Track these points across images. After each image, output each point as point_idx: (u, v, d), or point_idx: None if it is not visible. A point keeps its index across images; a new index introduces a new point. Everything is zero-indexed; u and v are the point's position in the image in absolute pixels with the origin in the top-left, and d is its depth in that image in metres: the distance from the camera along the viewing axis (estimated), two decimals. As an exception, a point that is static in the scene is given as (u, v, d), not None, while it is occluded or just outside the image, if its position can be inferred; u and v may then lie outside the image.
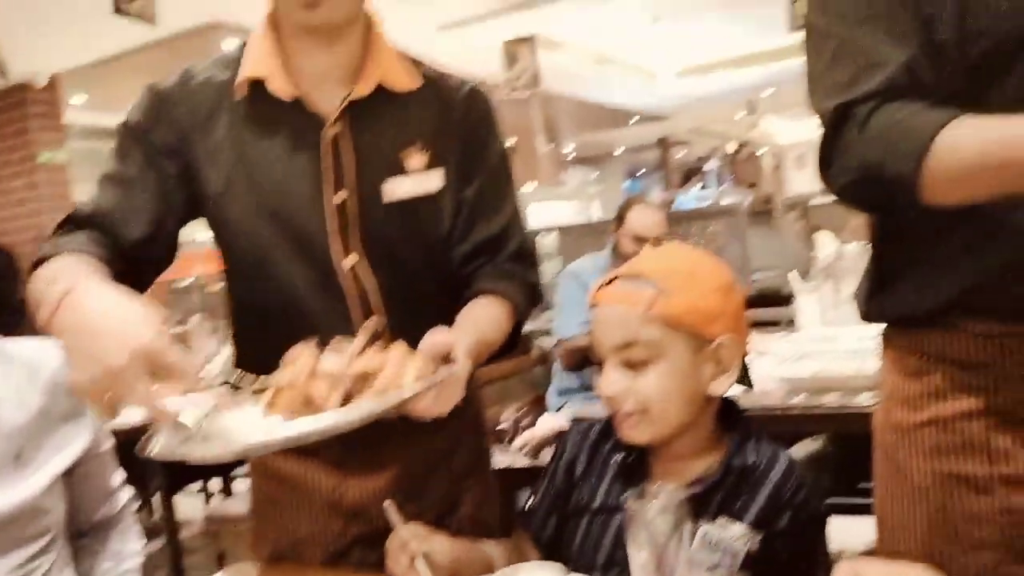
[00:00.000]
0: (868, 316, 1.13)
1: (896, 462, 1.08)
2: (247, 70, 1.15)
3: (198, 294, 4.02)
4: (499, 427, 2.97)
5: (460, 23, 6.28)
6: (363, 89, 1.15)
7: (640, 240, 2.96)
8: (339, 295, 1.16)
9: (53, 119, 6.59)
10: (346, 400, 0.85)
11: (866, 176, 0.93)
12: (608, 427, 1.15)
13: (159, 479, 2.74)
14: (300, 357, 0.93)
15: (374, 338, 0.98)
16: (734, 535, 0.98)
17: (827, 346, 2.36)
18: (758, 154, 9.11)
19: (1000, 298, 0.99)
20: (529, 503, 1.22)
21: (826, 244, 3.00)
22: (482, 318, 1.14)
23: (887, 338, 1.14)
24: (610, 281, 1.10)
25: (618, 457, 1.12)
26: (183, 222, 1.19)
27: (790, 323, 2.98)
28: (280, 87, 1.14)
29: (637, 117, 12.28)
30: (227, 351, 3.65)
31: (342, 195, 1.14)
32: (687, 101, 11.20)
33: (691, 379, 1.05)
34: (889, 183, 0.91)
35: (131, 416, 0.81)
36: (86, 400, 0.78)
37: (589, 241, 4.50)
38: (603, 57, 8.69)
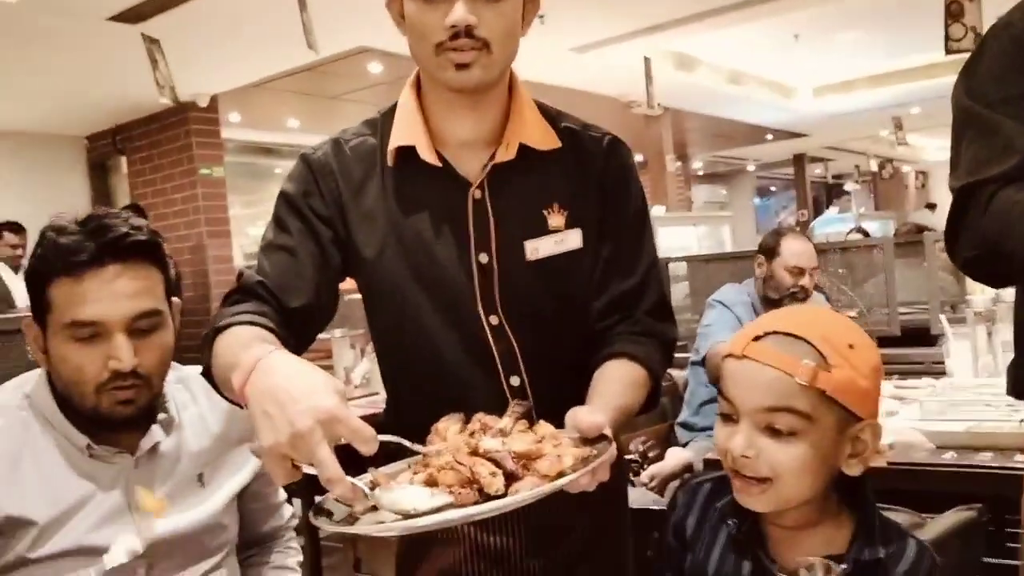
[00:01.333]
0: (1017, 392, 1.11)
1: None
2: (397, 138, 1.20)
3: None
4: (627, 457, 2.98)
5: (596, 44, 6.32)
6: (506, 153, 1.19)
7: (799, 272, 2.94)
8: (484, 355, 1.19)
9: (213, 137, 7.07)
10: (508, 479, 0.86)
11: (986, 252, 1.00)
12: (718, 487, 1.13)
13: (303, 482, 2.90)
14: (449, 430, 0.96)
15: (520, 418, 1.00)
16: None
17: (979, 396, 2.25)
18: (905, 171, 8.69)
19: None
20: (649, 556, 1.22)
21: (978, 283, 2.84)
22: (620, 388, 1.14)
23: None
24: (762, 335, 1.04)
25: (731, 525, 1.09)
26: (339, 283, 1.24)
27: (935, 364, 2.84)
28: (428, 153, 1.18)
29: (771, 134, 11.94)
30: (366, 364, 3.81)
31: (485, 257, 1.18)
32: (825, 118, 10.80)
33: (829, 457, 1.01)
34: (1007, 260, 0.98)
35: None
36: (268, 463, 0.81)
37: (719, 267, 4.46)
38: (738, 75, 8.53)
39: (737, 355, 1.04)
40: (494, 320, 1.19)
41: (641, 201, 1.31)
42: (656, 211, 6.91)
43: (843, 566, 0.97)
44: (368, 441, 0.81)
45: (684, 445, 2.97)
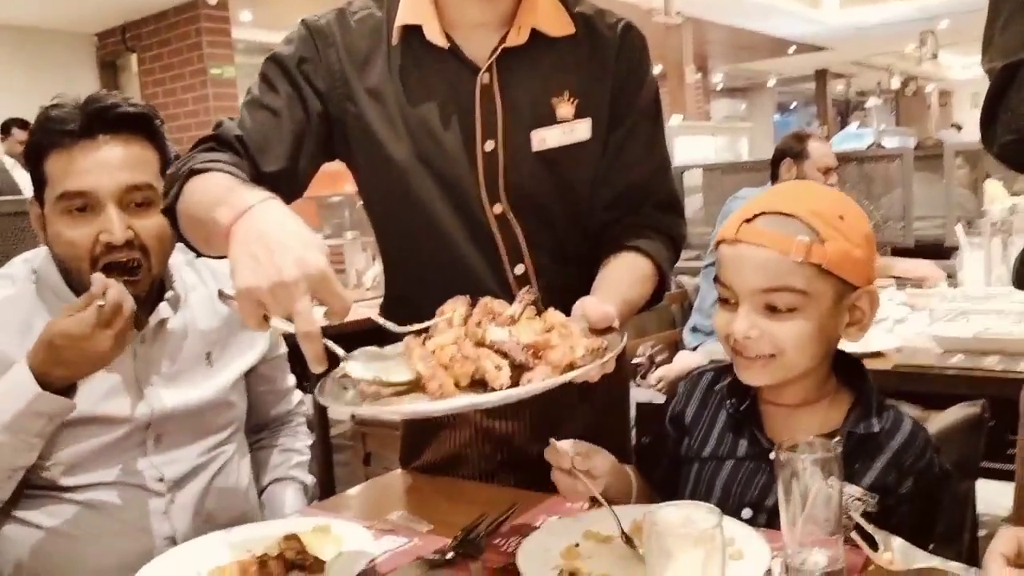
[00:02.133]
0: (1020, 283, 1.10)
1: None
2: (403, 16, 1.16)
3: (349, 209, 4.16)
4: (634, 361, 3.00)
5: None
6: (516, 37, 1.15)
7: (828, 171, 3.00)
8: (488, 243, 1.18)
9: (223, 36, 6.94)
10: (515, 371, 0.84)
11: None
12: (719, 375, 1.14)
13: (314, 379, 2.94)
14: (456, 313, 0.93)
15: (528, 306, 0.97)
16: (850, 496, 0.96)
17: (989, 306, 2.24)
18: (927, 90, 8.49)
19: None
20: (643, 442, 1.24)
21: (997, 196, 2.80)
22: (628, 280, 1.14)
23: None
24: (752, 217, 1.04)
25: (729, 406, 1.11)
26: (315, 161, 1.19)
27: (950, 278, 2.83)
28: (435, 35, 1.14)
29: (794, 47, 11.61)
30: (378, 267, 3.82)
31: (491, 144, 1.16)
32: (851, 31, 10.47)
33: (829, 328, 1.03)
34: None
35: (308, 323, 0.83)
36: (242, 305, 0.78)
37: (735, 179, 4.37)
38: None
39: (730, 240, 1.05)
40: (498, 209, 1.17)
41: (654, 92, 1.27)
42: (673, 120, 6.77)
43: (836, 439, 0.98)
44: (344, 310, 0.79)
45: (694, 350, 3.00)
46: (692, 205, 4.67)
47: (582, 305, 0.98)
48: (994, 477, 1.62)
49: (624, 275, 1.15)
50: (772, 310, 1.01)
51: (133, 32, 7.38)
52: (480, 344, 0.86)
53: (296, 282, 0.76)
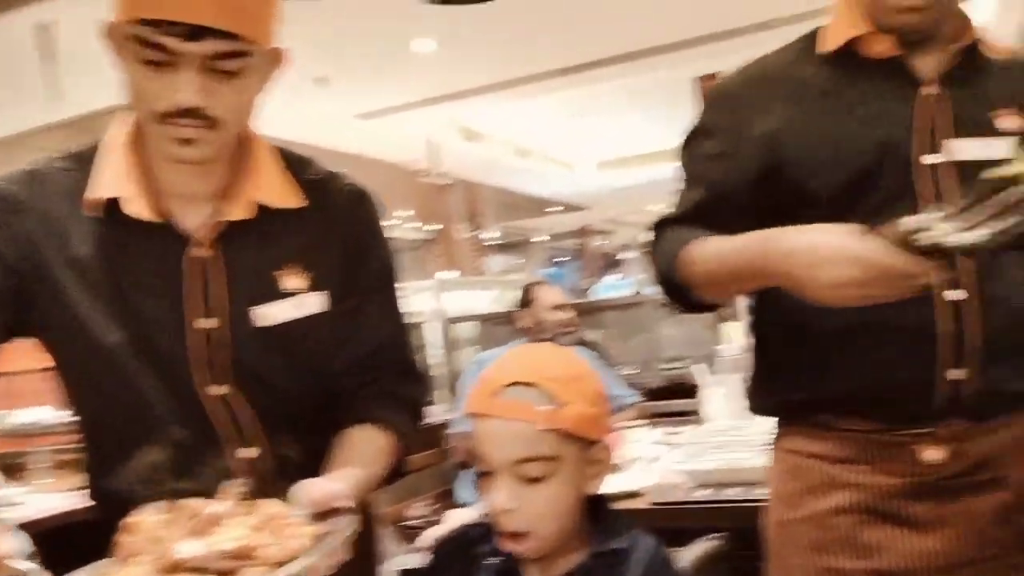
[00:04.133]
0: (753, 409, 1.21)
1: (782, 558, 1.11)
2: (101, 188, 1.07)
3: None
4: (408, 523, 2.88)
5: (382, 112, 6.35)
6: (236, 211, 1.09)
7: (560, 308, 3.17)
8: (207, 425, 1.09)
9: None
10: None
11: (660, 281, 1.21)
12: (487, 531, 1.13)
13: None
14: (143, 524, 0.83)
15: (243, 498, 0.89)
16: None
17: (734, 438, 2.38)
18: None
19: (863, 399, 1.06)
20: None
21: (732, 335, 3.07)
22: (365, 455, 1.09)
23: (775, 436, 1.20)
24: (498, 389, 1.07)
25: (493, 560, 1.10)
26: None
27: (694, 414, 3.01)
28: (140, 209, 1.06)
29: (559, 207, 12.55)
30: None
31: (211, 323, 1.08)
32: (606, 192, 11.53)
33: (580, 485, 1.07)
34: (672, 288, 1.18)
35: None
36: None
37: (509, 329, 4.51)
38: (524, 149, 8.90)
39: (480, 414, 1.07)
40: (217, 390, 1.08)
41: (388, 258, 1.25)
42: (448, 275, 6.98)
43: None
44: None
45: (468, 505, 2.92)
46: (468, 357, 4.74)
47: (302, 488, 0.91)
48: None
49: (360, 450, 1.09)
50: (527, 479, 1.03)
51: None
52: (173, 569, 0.76)
53: None
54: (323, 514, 0.88)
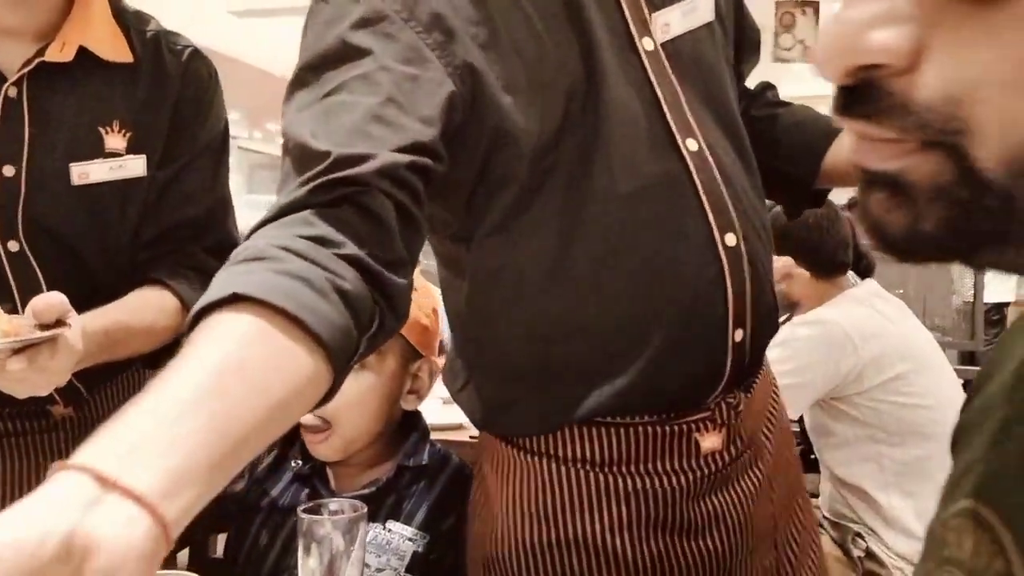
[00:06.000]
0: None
1: None
2: None
3: None
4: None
5: (260, 12, 6.02)
6: (59, 52, 1.02)
7: None
8: (2, 285, 1.02)
9: None
10: None
11: None
12: (296, 433, 1.11)
13: None
14: None
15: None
16: (402, 537, 0.96)
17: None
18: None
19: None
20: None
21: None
22: (134, 304, 1.02)
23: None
24: None
25: (298, 462, 1.09)
26: None
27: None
28: None
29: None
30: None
31: (10, 170, 1.01)
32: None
33: (393, 392, 1.06)
34: None
35: None
36: None
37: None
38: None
39: None
40: (13, 246, 1.01)
41: (217, 129, 1.17)
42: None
43: (366, 491, 1.01)
44: None
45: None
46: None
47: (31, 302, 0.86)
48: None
49: (132, 300, 1.02)
50: None
51: None
52: None
53: None
54: (48, 326, 0.84)
